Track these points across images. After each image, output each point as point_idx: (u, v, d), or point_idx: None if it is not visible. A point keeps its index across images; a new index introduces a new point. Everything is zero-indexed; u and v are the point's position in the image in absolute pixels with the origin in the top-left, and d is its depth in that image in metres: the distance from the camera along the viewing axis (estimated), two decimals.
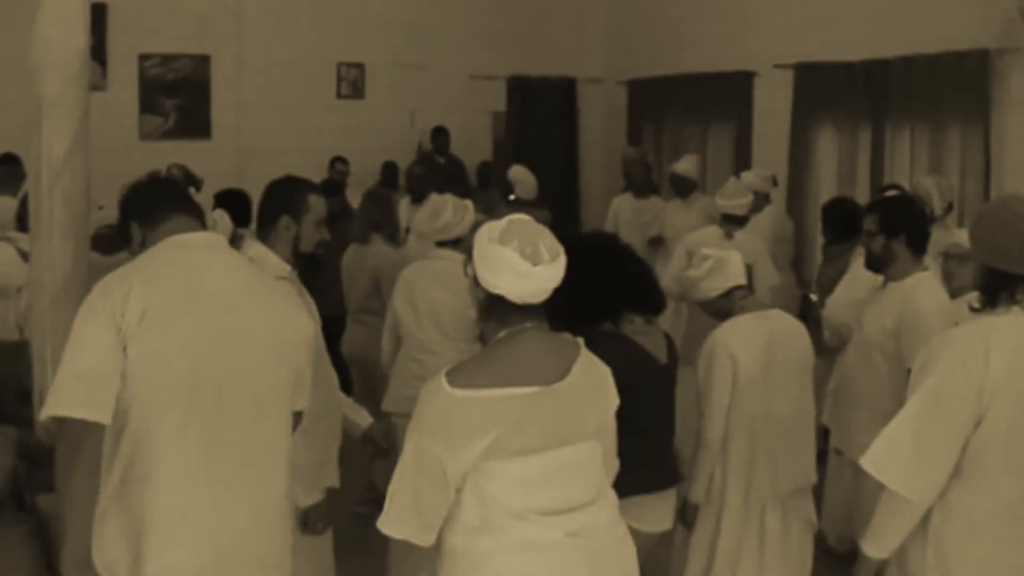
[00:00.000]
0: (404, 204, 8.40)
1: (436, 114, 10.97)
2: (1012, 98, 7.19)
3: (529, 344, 2.67)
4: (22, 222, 5.18)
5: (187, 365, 2.74)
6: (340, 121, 10.72)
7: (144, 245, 2.97)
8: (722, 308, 4.02)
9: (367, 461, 5.43)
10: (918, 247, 4.24)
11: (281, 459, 2.93)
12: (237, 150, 10.29)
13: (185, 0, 9.98)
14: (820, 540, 4.65)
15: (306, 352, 3.03)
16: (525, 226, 2.67)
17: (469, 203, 5.12)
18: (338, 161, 10.12)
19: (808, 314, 6.08)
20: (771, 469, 3.95)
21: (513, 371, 2.61)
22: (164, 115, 10.28)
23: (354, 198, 9.15)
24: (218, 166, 9.43)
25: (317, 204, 3.75)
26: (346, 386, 4.83)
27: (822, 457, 4.41)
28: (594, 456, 2.76)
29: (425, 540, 2.64)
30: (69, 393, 2.67)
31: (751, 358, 3.89)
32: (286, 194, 3.75)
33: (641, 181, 8.89)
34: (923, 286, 4.19)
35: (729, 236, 6.55)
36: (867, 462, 2.92)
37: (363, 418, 4.05)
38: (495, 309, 2.68)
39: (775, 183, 7.95)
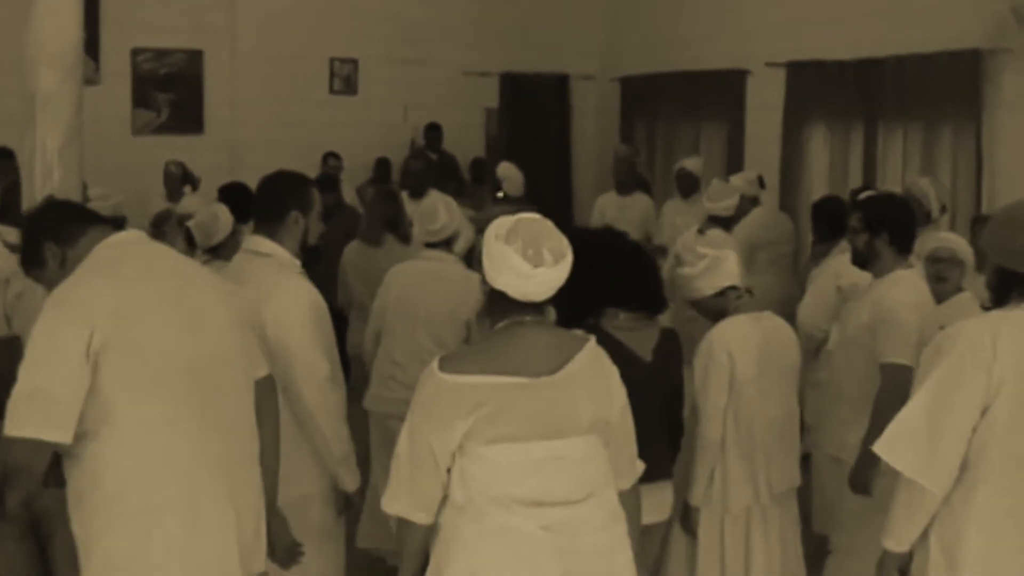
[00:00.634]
0: (403, 199, 8.37)
1: (429, 110, 10.96)
2: (1004, 98, 7.22)
3: (524, 336, 2.73)
4: (3, 214, 5.12)
5: (174, 351, 2.80)
6: (333, 116, 10.70)
7: (64, 263, 2.89)
8: (715, 308, 4.00)
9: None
10: (902, 246, 4.25)
11: (254, 429, 3.03)
12: (230, 145, 10.28)
13: None
14: (822, 541, 4.65)
15: (250, 320, 3.18)
16: (532, 226, 2.71)
17: (452, 201, 5.12)
18: (331, 156, 10.11)
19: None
20: (768, 470, 3.96)
21: (501, 361, 2.69)
22: (157, 109, 10.26)
23: (346, 193, 9.17)
24: (211, 161, 9.42)
25: (318, 198, 3.79)
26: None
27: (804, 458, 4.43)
28: (590, 453, 2.77)
29: (422, 518, 2.74)
30: (26, 413, 2.64)
31: (747, 359, 3.89)
32: (295, 189, 3.74)
33: (625, 178, 8.89)
34: (900, 282, 4.20)
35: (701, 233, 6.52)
36: (880, 449, 2.94)
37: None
38: (497, 304, 2.75)
39: (762, 185, 7.92)
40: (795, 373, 4.13)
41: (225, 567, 2.85)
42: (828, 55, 8.54)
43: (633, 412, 2.94)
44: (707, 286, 3.96)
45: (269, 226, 3.65)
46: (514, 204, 7.91)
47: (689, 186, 8.23)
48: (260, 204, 3.76)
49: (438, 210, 4.99)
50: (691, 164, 8.38)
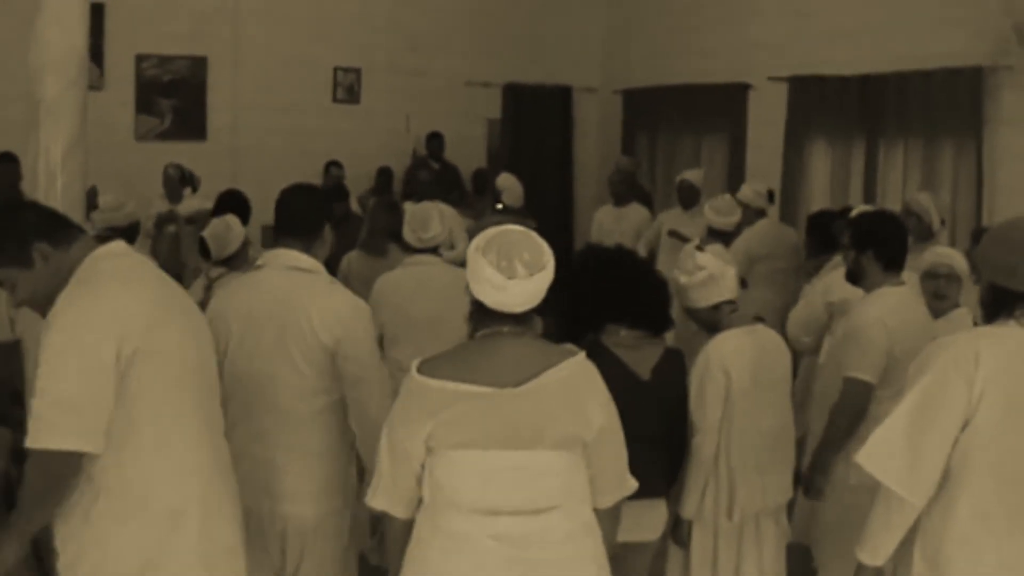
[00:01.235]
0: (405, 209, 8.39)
1: (431, 120, 10.98)
2: (1004, 114, 7.25)
3: (498, 347, 2.75)
4: None
5: (187, 356, 2.89)
6: (335, 125, 10.72)
7: (54, 267, 2.78)
8: (709, 319, 4.02)
9: None
10: (889, 263, 4.25)
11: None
12: (232, 152, 10.30)
13: (182, 1, 9.98)
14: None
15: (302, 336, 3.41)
16: (509, 237, 2.74)
17: (447, 209, 5.16)
18: (333, 165, 10.13)
19: None
20: (763, 483, 3.96)
21: (470, 368, 2.73)
22: (160, 116, 10.28)
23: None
24: (213, 168, 9.43)
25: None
26: None
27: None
28: (556, 467, 2.76)
29: (400, 513, 2.82)
30: (59, 424, 2.64)
31: (743, 373, 3.89)
32: (325, 203, 3.78)
33: (621, 189, 8.91)
34: (879, 299, 4.22)
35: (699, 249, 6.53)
36: (862, 459, 2.95)
37: None
38: (478, 313, 2.79)
39: (771, 199, 7.93)
40: (788, 385, 4.14)
41: (235, 564, 2.95)
42: (830, 70, 8.57)
43: (628, 429, 2.94)
44: (702, 299, 3.97)
45: (304, 240, 3.60)
46: (513, 215, 7.93)
47: (690, 198, 8.25)
48: (293, 218, 3.65)
49: (432, 218, 5.05)
50: (693, 176, 8.40)
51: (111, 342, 2.67)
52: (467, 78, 11.26)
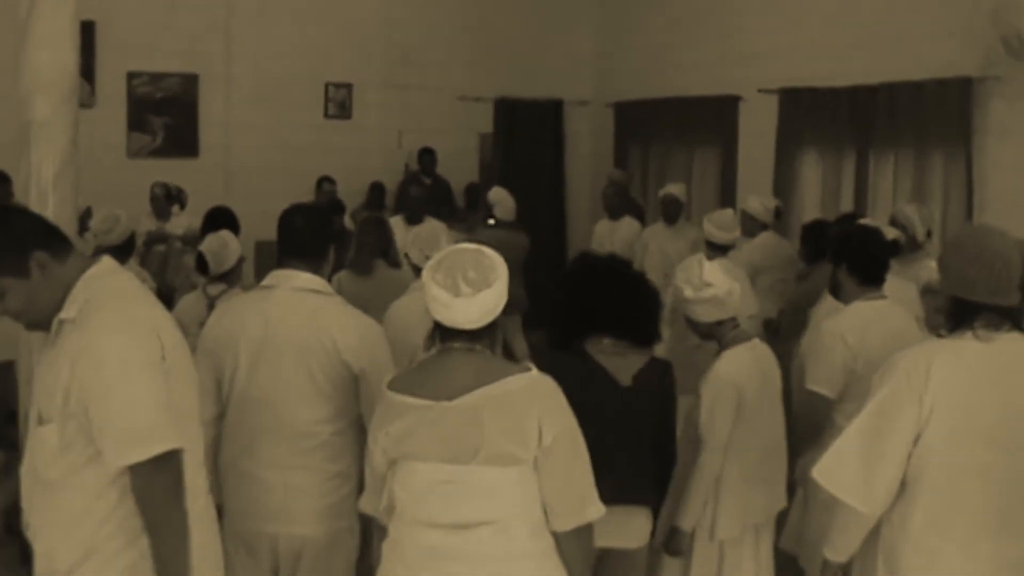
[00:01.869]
0: (398, 224, 8.36)
1: (423, 135, 11.00)
2: (993, 125, 7.27)
3: (446, 362, 2.83)
4: None
5: (195, 378, 2.96)
6: (327, 141, 10.73)
7: (45, 276, 2.69)
8: (709, 332, 4.05)
9: None
10: (863, 277, 4.29)
11: None
12: (225, 169, 10.30)
13: (174, 18, 9.99)
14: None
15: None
16: (459, 257, 2.80)
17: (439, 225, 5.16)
18: (325, 181, 10.14)
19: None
20: (764, 495, 3.99)
21: (419, 383, 2.83)
22: (152, 133, 10.28)
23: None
24: (206, 184, 9.44)
25: None
26: None
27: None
28: (494, 484, 2.75)
29: (383, 518, 2.95)
30: (164, 426, 2.64)
31: (753, 389, 3.93)
32: (331, 224, 3.79)
33: (613, 203, 8.92)
34: (844, 314, 4.28)
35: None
36: (817, 474, 3.04)
37: None
38: (436, 329, 2.87)
39: (778, 215, 7.92)
40: (781, 397, 4.17)
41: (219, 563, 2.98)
42: (821, 82, 8.60)
43: (605, 435, 2.95)
44: (704, 315, 3.98)
45: (310, 262, 3.59)
46: (505, 229, 7.94)
47: (674, 211, 8.25)
48: (299, 240, 3.61)
49: (440, 239, 4.99)
50: (676, 190, 8.38)
51: (156, 347, 2.69)
52: (459, 93, 11.27)
